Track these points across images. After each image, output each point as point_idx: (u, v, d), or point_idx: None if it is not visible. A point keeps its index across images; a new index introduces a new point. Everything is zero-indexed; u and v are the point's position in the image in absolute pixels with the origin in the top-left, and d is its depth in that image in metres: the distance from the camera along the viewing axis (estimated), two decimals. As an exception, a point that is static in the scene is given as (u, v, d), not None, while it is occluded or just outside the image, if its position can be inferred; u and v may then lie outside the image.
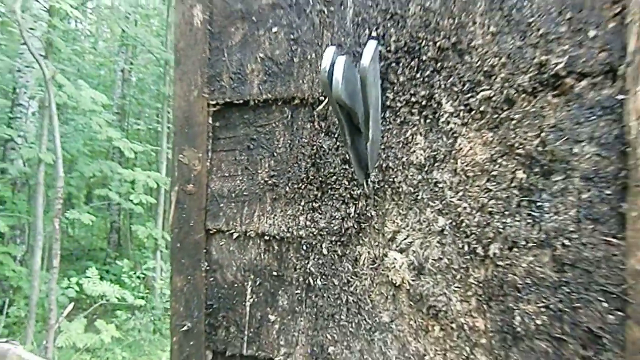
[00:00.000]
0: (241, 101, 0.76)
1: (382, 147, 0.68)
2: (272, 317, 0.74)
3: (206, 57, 0.79)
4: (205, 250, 0.79)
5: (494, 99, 0.63)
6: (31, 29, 4.94)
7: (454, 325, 0.64)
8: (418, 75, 0.67)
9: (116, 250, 9.72)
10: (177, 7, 0.82)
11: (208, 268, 0.79)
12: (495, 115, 0.63)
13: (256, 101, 0.75)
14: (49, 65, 4.57)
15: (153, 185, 6.51)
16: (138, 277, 6.74)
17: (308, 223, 0.72)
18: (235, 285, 0.77)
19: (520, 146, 0.61)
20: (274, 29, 0.75)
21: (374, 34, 0.69)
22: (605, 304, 0.57)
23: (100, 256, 9.71)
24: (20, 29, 3.49)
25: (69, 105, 5.82)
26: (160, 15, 9.71)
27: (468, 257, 0.63)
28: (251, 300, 0.76)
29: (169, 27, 7.82)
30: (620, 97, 0.57)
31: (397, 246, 0.68)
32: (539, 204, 0.61)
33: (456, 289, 0.64)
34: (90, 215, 6.19)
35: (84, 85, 5.35)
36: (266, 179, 0.75)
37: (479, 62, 0.64)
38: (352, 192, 0.70)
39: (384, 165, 0.68)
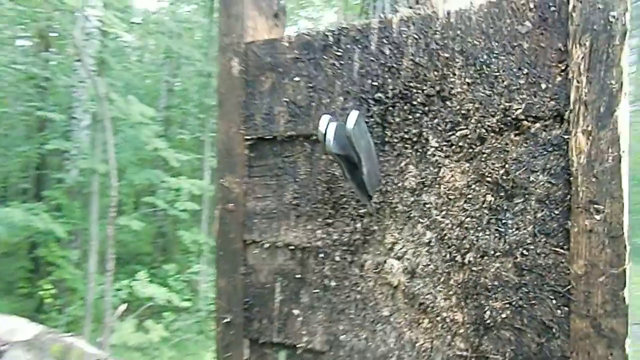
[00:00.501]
0: (270, 136, 0.95)
1: (382, 174, 0.85)
2: (295, 312, 0.92)
3: (242, 101, 0.98)
4: (242, 257, 0.97)
5: (469, 136, 0.79)
6: (84, 44, 5.34)
7: (438, 319, 0.80)
8: (410, 117, 0.84)
9: (162, 254, 10.16)
10: (219, 59, 1.01)
11: (245, 272, 0.97)
12: (471, 150, 0.79)
13: (282, 137, 0.94)
14: (100, 82, 4.93)
15: (197, 192, 6.84)
16: (183, 281, 7.08)
17: (324, 236, 0.90)
18: (267, 285, 0.95)
19: (489, 175, 0.77)
20: (296, 79, 0.93)
21: (374, 83, 0.86)
22: (554, 301, 0.72)
23: (148, 260, 10.17)
24: (77, 51, 3.83)
25: (119, 118, 6.21)
26: (202, 28, 10.11)
27: (449, 263, 0.80)
28: (279, 298, 0.94)
29: (211, 40, 8.17)
30: (565, 136, 0.72)
31: (394, 254, 0.84)
32: (504, 221, 0.76)
33: (440, 289, 0.80)
34: (139, 221, 6.57)
35: (133, 100, 5.71)
36: (291, 200, 0.93)
37: (458, 107, 0.80)
38: (358, 210, 0.87)
39: (383, 189, 0.85)
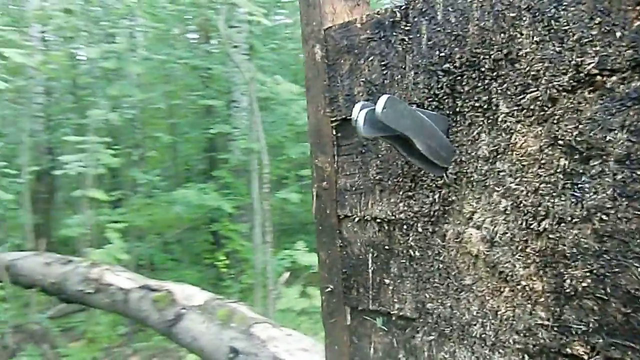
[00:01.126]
0: (351, 117, 1.00)
1: (456, 144, 0.86)
2: (387, 281, 0.98)
3: (326, 84, 1.05)
4: (338, 231, 1.06)
5: (540, 98, 0.76)
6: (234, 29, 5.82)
7: (519, 287, 0.80)
8: (479, 84, 0.82)
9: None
10: (304, 48, 1.09)
11: (341, 244, 1.06)
12: (542, 112, 0.76)
13: (362, 115, 0.99)
14: (250, 68, 5.36)
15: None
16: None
17: (406, 208, 0.93)
18: (360, 257, 1.02)
19: (562, 137, 0.74)
20: (370, 58, 0.97)
21: (442, 53, 0.86)
22: (639, 269, 0.68)
23: (309, 229, 10.85)
24: (227, 40, 4.22)
25: (270, 98, 6.68)
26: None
27: (526, 231, 0.78)
28: (372, 268, 1.01)
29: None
30: (645, 88, 0.66)
31: (473, 224, 0.85)
32: (580, 185, 0.72)
33: (519, 257, 0.79)
34: (297, 193, 7.05)
35: (280, 79, 6.09)
36: (374, 175, 0.98)
37: (527, 68, 0.77)
38: (437, 182, 0.89)
39: (458, 159, 0.86)
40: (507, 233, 0.81)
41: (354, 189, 1.02)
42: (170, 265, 8.77)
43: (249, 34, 6.32)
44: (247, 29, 6.04)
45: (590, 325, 0.72)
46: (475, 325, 0.86)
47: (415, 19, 0.90)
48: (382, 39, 0.94)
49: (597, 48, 0.70)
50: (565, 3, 0.73)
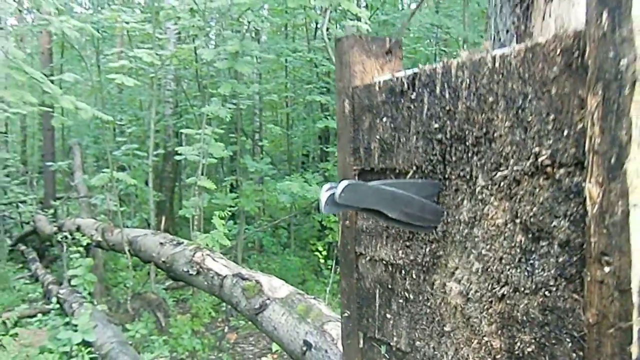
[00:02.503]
0: (369, 168, 1.16)
1: (445, 206, 0.98)
2: (388, 316, 1.13)
3: (351, 136, 1.21)
4: (355, 265, 1.22)
5: (508, 177, 0.86)
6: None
7: (483, 341, 0.91)
8: (464, 157, 0.94)
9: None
10: (337, 100, 1.26)
11: (357, 277, 1.22)
12: (509, 190, 0.86)
13: (376, 169, 1.14)
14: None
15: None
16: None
17: (404, 255, 1.08)
18: (370, 291, 1.18)
19: (521, 216, 0.84)
20: (384, 119, 1.11)
21: (437, 125, 0.99)
22: (571, 345, 0.77)
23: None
24: (328, 45, 4.45)
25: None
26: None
27: (491, 293, 0.89)
28: (378, 302, 1.16)
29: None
30: (584, 184, 0.75)
31: (455, 278, 0.97)
32: (531, 261, 0.82)
33: (485, 315, 0.91)
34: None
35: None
36: (382, 223, 1.13)
37: (500, 149, 0.88)
38: (429, 237, 1.02)
39: (445, 220, 0.98)
40: (478, 292, 0.93)
41: (368, 231, 1.18)
42: (277, 250, 9.35)
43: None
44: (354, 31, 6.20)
45: (533, 386, 0.83)
46: (451, 367, 0.99)
47: (419, 90, 1.03)
48: (393, 104, 1.09)
49: (550, 142, 0.79)
50: (530, 97, 0.82)
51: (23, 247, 10.17)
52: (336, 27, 4.85)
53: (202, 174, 5.45)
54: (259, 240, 9.51)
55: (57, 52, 12.89)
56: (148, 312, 5.79)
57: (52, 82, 4.72)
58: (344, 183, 0.83)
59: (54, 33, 6.90)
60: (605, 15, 0.69)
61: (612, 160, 0.70)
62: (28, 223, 10.95)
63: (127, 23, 7.01)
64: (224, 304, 5.78)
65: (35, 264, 8.68)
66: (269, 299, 3.26)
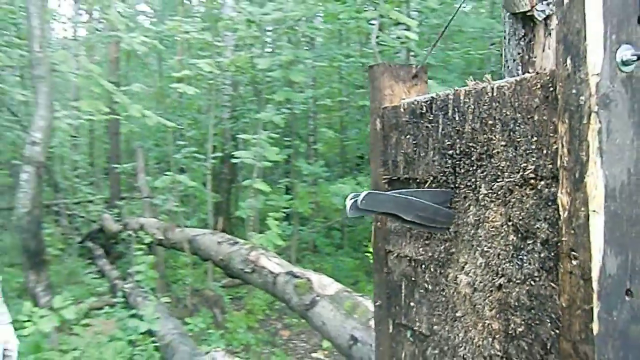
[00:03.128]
0: (396, 178, 1.37)
1: (456, 211, 1.18)
2: (412, 304, 1.34)
3: (381, 150, 1.43)
4: (385, 261, 1.44)
5: (503, 187, 1.06)
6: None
7: (486, 324, 1.11)
8: (470, 169, 1.14)
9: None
10: (370, 119, 1.48)
11: (386, 271, 1.44)
12: (504, 198, 1.06)
13: (402, 178, 1.35)
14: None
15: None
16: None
17: (424, 252, 1.28)
18: (397, 283, 1.39)
19: (512, 219, 1.03)
20: (408, 136, 1.32)
21: (449, 142, 1.19)
22: (550, 324, 0.96)
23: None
24: (377, 54, 4.66)
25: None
26: None
27: (491, 284, 1.09)
28: (404, 292, 1.37)
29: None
30: (558, 194, 0.93)
31: (464, 271, 1.17)
32: (520, 257, 1.01)
33: (487, 302, 1.10)
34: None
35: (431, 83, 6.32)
36: (406, 224, 1.34)
37: (498, 164, 1.07)
38: (444, 236, 1.23)
39: (457, 222, 1.18)
40: (481, 282, 1.12)
41: (395, 231, 1.39)
42: (330, 250, 9.60)
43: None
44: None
45: (525, 358, 1.02)
46: (461, 347, 1.19)
47: (435, 112, 1.23)
48: (415, 124, 1.30)
49: (534, 159, 0.98)
50: (519, 121, 1.02)
51: (91, 244, 10.91)
52: (388, 34, 5.03)
53: (257, 177, 5.77)
54: (313, 241, 9.79)
55: (123, 59, 13.72)
56: (206, 308, 6.18)
57: (121, 91, 5.15)
58: (365, 193, 1.05)
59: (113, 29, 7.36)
60: (569, 61, 0.88)
61: (577, 175, 0.89)
62: (95, 221, 11.71)
63: (188, 32, 7.48)
64: (277, 302, 6.09)
65: (102, 260, 9.33)
66: (318, 295, 3.50)
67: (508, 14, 1.27)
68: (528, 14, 1.20)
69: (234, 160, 7.07)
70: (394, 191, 1.16)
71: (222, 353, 4.03)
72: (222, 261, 4.82)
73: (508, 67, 1.31)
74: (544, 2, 1.17)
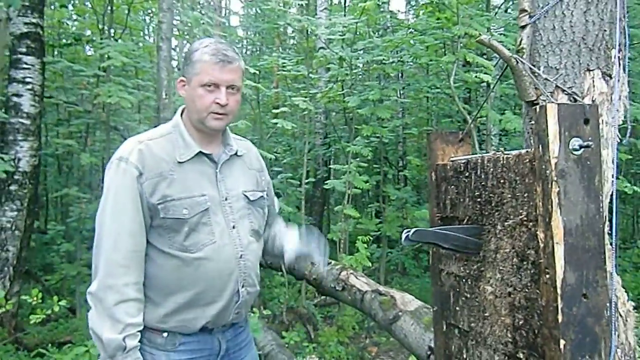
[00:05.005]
0: (445, 216, 1.93)
1: (483, 241, 1.72)
2: (457, 309, 1.88)
3: (435, 195, 1.99)
4: (439, 277, 1.99)
5: (511, 225, 1.59)
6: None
7: (502, 319, 1.63)
8: (491, 212, 1.68)
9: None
10: (428, 173, 2.05)
11: (440, 284, 1.99)
12: (511, 233, 1.59)
13: (448, 216, 1.91)
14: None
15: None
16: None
17: (463, 269, 1.83)
18: (447, 293, 1.94)
19: (516, 248, 1.56)
20: (452, 187, 1.88)
21: (477, 193, 1.74)
22: (537, 319, 1.47)
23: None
24: (454, 93, 5.15)
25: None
26: None
27: (505, 292, 1.62)
28: (452, 300, 1.92)
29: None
30: (538, 232, 1.46)
31: (490, 284, 1.71)
32: (520, 273, 1.54)
33: (503, 304, 1.63)
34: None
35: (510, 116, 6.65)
36: (452, 248, 1.89)
37: (507, 209, 1.61)
38: (477, 258, 1.77)
39: (484, 248, 1.73)
40: (500, 291, 1.66)
41: (445, 254, 1.95)
42: (417, 272, 10.01)
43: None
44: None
45: (524, 342, 1.54)
46: (488, 338, 1.72)
47: (469, 170, 1.79)
48: (456, 177, 1.86)
49: (526, 207, 1.52)
50: (517, 181, 1.56)
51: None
52: (470, 72, 5.51)
53: (347, 203, 6.42)
54: (402, 263, 10.25)
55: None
56: (300, 324, 6.86)
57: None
58: (414, 229, 1.63)
59: None
60: (540, 148, 1.42)
61: (547, 220, 1.42)
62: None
63: (284, 66, 8.37)
64: (365, 321, 6.64)
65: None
66: (401, 311, 4.04)
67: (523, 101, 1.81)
68: (534, 102, 1.74)
69: (326, 187, 7.77)
70: (436, 227, 1.73)
71: (317, 361, 4.64)
72: (315, 280, 5.48)
73: (525, 137, 1.84)
74: (542, 97, 1.70)
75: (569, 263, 1.39)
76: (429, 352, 3.66)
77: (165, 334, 1.77)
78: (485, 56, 5.75)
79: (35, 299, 3.92)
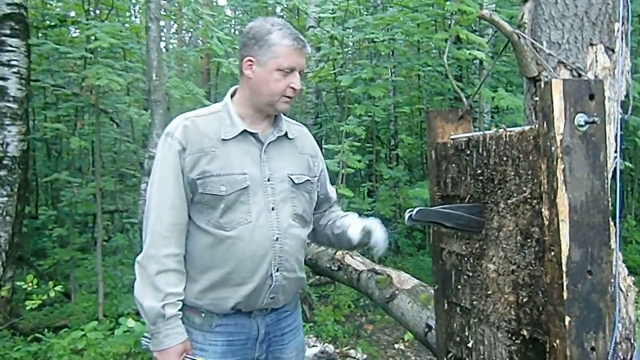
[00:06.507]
0: (446, 195, 1.92)
1: (485, 219, 1.72)
2: (459, 287, 1.88)
3: (435, 174, 1.98)
4: (440, 255, 1.99)
5: (514, 203, 1.58)
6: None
7: (505, 297, 1.63)
8: (493, 190, 1.67)
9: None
10: (428, 150, 2.03)
11: (441, 263, 1.99)
12: (514, 211, 1.58)
13: (449, 195, 1.90)
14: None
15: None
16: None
17: (465, 248, 1.82)
18: (449, 271, 1.94)
19: (520, 225, 1.56)
20: (453, 165, 1.87)
21: (479, 170, 1.72)
22: (541, 296, 1.47)
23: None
24: (448, 71, 5.11)
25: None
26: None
27: (508, 270, 1.62)
28: (453, 279, 1.91)
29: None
30: (543, 209, 1.45)
31: (492, 262, 1.71)
32: (524, 251, 1.54)
33: (507, 282, 1.63)
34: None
35: (503, 93, 6.63)
36: (453, 227, 1.88)
37: (510, 187, 1.60)
38: (478, 237, 1.76)
39: (486, 226, 1.72)
40: (503, 269, 1.65)
41: (446, 233, 1.95)
42: (411, 250, 10.07)
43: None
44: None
45: (528, 319, 1.55)
46: (491, 316, 1.72)
47: (471, 149, 1.77)
48: (458, 156, 1.84)
49: (530, 185, 1.51)
50: (521, 159, 1.54)
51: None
52: (462, 49, 5.46)
53: (341, 182, 6.40)
54: (395, 241, 10.30)
55: (212, 69, 14.91)
56: (296, 304, 6.90)
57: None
58: (417, 208, 1.62)
59: (214, 56, 8.22)
60: (544, 124, 1.40)
61: (552, 197, 1.41)
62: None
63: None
64: (361, 299, 6.69)
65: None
66: (397, 289, 4.06)
67: (525, 77, 1.78)
68: (536, 78, 1.72)
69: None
70: (438, 207, 1.72)
71: (332, 347, 4.67)
72: (311, 260, 5.48)
73: (526, 113, 1.82)
74: (544, 72, 1.68)
75: (574, 240, 1.38)
76: (426, 330, 3.69)
77: (202, 314, 1.78)
78: (477, 33, 5.71)
79: (30, 284, 3.89)
